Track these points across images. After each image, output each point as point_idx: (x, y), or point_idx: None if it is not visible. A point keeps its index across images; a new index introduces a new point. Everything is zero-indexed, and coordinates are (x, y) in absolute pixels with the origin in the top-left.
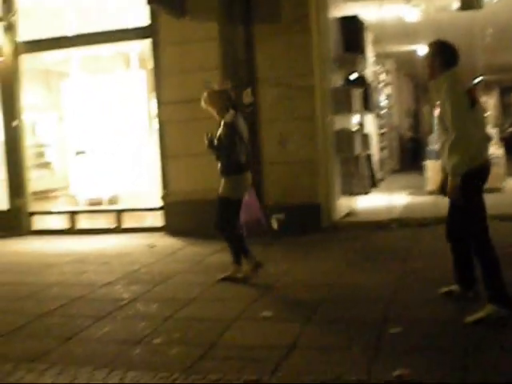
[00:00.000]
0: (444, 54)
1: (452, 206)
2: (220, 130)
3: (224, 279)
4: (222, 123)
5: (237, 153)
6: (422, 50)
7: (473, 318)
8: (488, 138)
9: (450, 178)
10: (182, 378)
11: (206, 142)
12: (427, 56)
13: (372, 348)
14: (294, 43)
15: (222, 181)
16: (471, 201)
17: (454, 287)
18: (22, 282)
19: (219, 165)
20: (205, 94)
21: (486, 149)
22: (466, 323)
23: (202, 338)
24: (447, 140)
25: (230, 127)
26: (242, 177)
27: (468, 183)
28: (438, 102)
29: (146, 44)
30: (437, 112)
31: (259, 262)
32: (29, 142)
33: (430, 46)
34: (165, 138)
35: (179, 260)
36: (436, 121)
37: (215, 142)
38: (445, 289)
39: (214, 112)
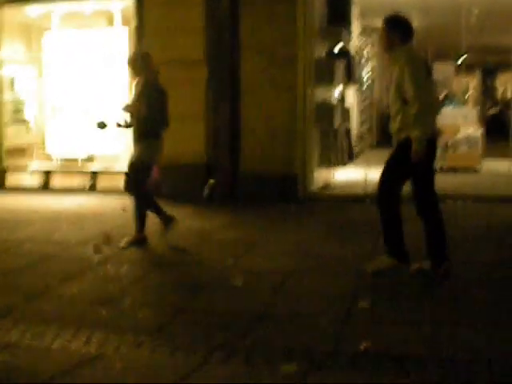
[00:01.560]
0: (402, 28)
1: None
2: (139, 90)
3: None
4: (142, 83)
5: (156, 116)
6: None
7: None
8: (437, 110)
9: (414, 145)
10: (149, 341)
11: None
12: (385, 29)
13: (340, 320)
14: (279, 12)
15: (140, 144)
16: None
17: (425, 263)
18: None
19: (137, 128)
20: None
21: (431, 122)
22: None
23: (169, 303)
24: (404, 109)
25: (151, 88)
26: (160, 142)
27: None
28: (394, 74)
29: (130, 2)
30: (391, 82)
31: (172, 217)
32: (6, 97)
33: (388, 20)
34: None
35: (151, 223)
36: (391, 91)
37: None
38: (415, 265)
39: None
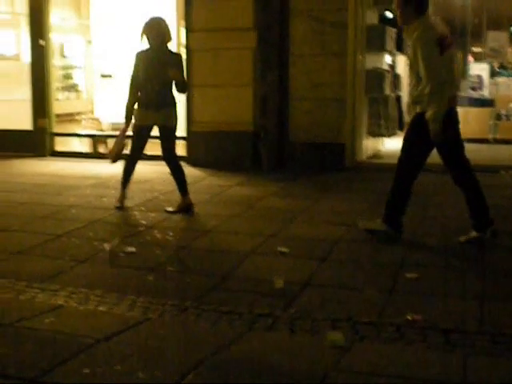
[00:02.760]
0: (414, 2)
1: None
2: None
3: (174, 212)
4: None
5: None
6: None
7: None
8: (457, 86)
9: (432, 125)
10: (193, 307)
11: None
12: (399, 3)
13: (386, 291)
14: None
15: (166, 111)
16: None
17: (473, 234)
18: (42, 202)
19: (161, 95)
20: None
21: (452, 93)
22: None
23: (215, 269)
24: (418, 85)
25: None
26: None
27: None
28: (411, 49)
29: None
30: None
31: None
32: (56, 64)
33: None
34: (192, 66)
35: (199, 190)
36: (409, 65)
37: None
38: (464, 237)
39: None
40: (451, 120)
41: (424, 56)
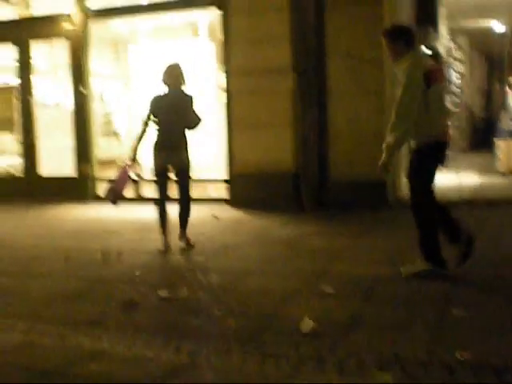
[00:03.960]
0: (404, 37)
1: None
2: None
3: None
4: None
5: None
6: (498, 26)
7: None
8: (439, 118)
9: (384, 153)
10: (238, 349)
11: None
12: (389, 42)
13: (433, 328)
14: (365, 14)
15: (181, 153)
16: (420, 174)
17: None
18: (86, 247)
19: (177, 137)
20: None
21: (441, 126)
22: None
23: (261, 311)
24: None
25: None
26: None
27: (425, 156)
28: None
29: (215, 14)
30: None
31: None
32: (97, 110)
33: (389, 31)
34: (232, 109)
35: (242, 232)
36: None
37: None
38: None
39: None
40: (436, 154)
41: (404, 86)
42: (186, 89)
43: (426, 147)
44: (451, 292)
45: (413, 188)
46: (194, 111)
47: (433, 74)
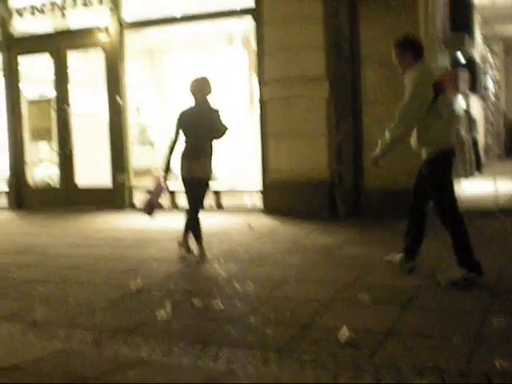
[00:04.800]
0: (411, 48)
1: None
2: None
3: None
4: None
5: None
6: None
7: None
8: (449, 127)
9: (378, 148)
10: (275, 357)
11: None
12: (397, 54)
13: (472, 338)
14: (400, 21)
15: (208, 163)
16: (435, 183)
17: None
18: (122, 255)
19: (209, 148)
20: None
21: (447, 136)
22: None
23: (296, 319)
24: (419, 127)
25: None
26: None
27: (438, 166)
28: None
29: (249, 23)
30: None
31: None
32: (132, 121)
33: (398, 42)
34: (266, 117)
35: (277, 240)
36: None
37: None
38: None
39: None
40: (448, 163)
41: (412, 93)
42: (213, 101)
43: (439, 157)
44: (491, 301)
45: (438, 202)
46: (220, 122)
47: (442, 84)
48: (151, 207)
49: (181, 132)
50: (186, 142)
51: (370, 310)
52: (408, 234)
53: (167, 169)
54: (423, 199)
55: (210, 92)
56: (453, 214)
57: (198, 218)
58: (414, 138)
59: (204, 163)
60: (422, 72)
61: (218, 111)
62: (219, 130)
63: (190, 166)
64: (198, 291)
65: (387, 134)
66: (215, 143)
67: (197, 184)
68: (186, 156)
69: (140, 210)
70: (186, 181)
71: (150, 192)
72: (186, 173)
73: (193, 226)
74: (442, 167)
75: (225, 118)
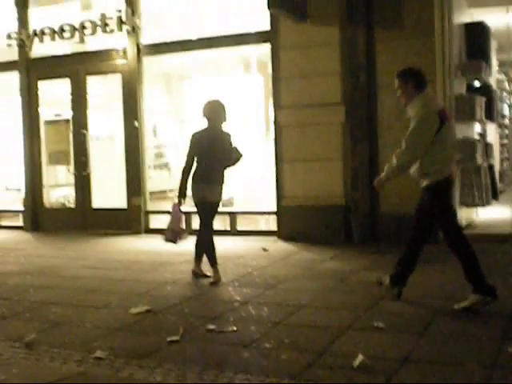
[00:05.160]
0: (414, 79)
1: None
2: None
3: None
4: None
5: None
6: None
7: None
8: (453, 155)
9: (384, 172)
10: (290, 383)
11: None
12: (400, 85)
13: (488, 366)
14: (416, 48)
15: (221, 187)
16: (438, 209)
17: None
18: (138, 278)
19: (221, 173)
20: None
21: (450, 164)
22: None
23: (312, 345)
24: (426, 156)
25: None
26: None
27: (440, 194)
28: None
29: (265, 48)
30: None
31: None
32: (149, 143)
33: (401, 73)
34: (281, 142)
35: (292, 265)
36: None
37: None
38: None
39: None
40: (449, 190)
41: (417, 125)
42: (226, 125)
43: (441, 184)
44: (507, 329)
45: (443, 227)
46: (235, 147)
47: (445, 113)
48: (174, 235)
49: (194, 155)
50: (197, 164)
51: (385, 336)
52: (401, 261)
53: (183, 194)
54: (425, 226)
55: (224, 115)
56: (459, 237)
57: (213, 241)
58: (414, 166)
59: (216, 189)
60: (425, 102)
61: (230, 135)
62: (231, 156)
63: (202, 190)
64: (213, 315)
65: (394, 160)
66: (228, 170)
67: (209, 207)
68: (198, 180)
69: (164, 239)
70: (200, 204)
71: (170, 220)
72: (200, 197)
73: (208, 249)
74: (443, 193)
75: (239, 145)
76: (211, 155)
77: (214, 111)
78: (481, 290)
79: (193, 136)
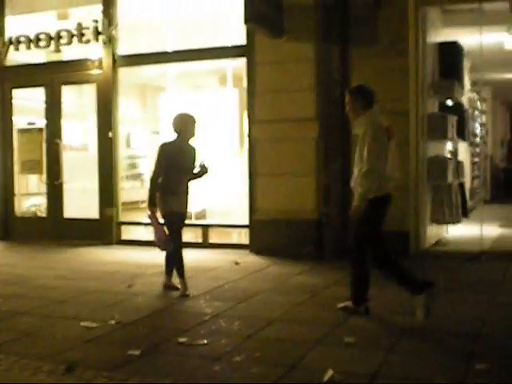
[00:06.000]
0: (363, 97)
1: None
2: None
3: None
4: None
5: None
6: None
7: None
8: (394, 174)
9: (356, 201)
10: None
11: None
12: (349, 100)
13: (457, 383)
14: (390, 66)
15: (187, 198)
16: (371, 222)
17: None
18: (109, 290)
19: (186, 185)
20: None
21: (389, 182)
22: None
23: (282, 359)
24: (361, 169)
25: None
26: None
27: (374, 207)
28: (360, 137)
29: (240, 62)
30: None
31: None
32: (122, 154)
33: (351, 90)
34: (255, 156)
35: (263, 278)
36: (356, 153)
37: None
38: (341, 304)
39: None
40: (382, 208)
41: (371, 141)
42: (195, 139)
43: (381, 199)
44: (474, 346)
45: (359, 237)
46: (202, 162)
47: (389, 131)
48: (164, 242)
49: (162, 165)
50: (163, 176)
51: (355, 351)
52: (354, 281)
53: (154, 203)
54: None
55: (193, 129)
56: (362, 251)
57: (181, 253)
58: (356, 180)
59: (182, 199)
60: (373, 119)
61: (195, 149)
62: (196, 170)
63: (170, 201)
64: (184, 328)
65: (359, 189)
66: (192, 182)
67: (178, 219)
68: (165, 191)
69: (161, 250)
70: (168, 216)
71: (154, 231)
72: (167, 208)
73: (177, 261)
74: (378, 210)
75: (209, 158)
76: (177, 167)
77: (183, 124)
78: (358, 300)
79: (161, 146)
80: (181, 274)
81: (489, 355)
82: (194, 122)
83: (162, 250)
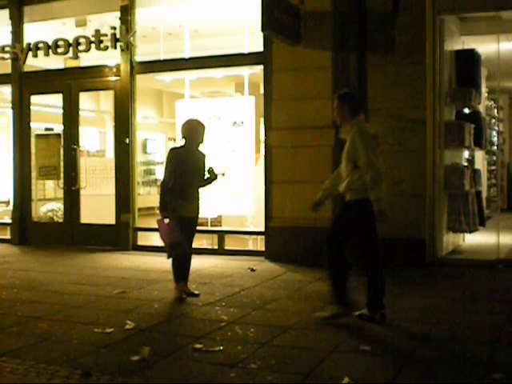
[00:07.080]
0: (349, 104)
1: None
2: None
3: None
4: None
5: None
6: None
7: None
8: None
9: (376, 206)
10: None
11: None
12: (336, 106)
13: None
14: (408, 74)
15: (199, 204)
16: (348, 222)
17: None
18: (125, 296)
19: (196, 190)
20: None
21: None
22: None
23: (297, 367)
24: (353, 174)
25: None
26: None
27: (359, 211)
28: (346, 143)
29: (257, 69)
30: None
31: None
32: (139, 160)
33: (339, 96)
34: (271, 163)
35: (279, 285)
36: (343, 157)
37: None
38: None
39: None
40: (369, 211)
41: (365, 147)
42: (204, 146)
43: (363, 203)
44: (492, 355)
45: (339, 236)
46: (211, 168)
47: (375, 139)
48: (173, 247)
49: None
50: (173, 181)
51: (371, 359)
52: (370, 286)
53: (166, 208)
54: (361, 241)
55: (201, 135)
56: (339, 254)
57: (189, 259)
58: (343, 184)
59: (191, 205)
60: (360, 126)
61: (205, 155)
62: (205, 176)
63: (179, 205)
64: (200, 334)
65: (374, 193)
66: (202, 189)
67: (187, 223)
68: (174, 195)
69: (169, 256)
70: (185, 219)
71: (163, 238)
72: (188, 211)
73: (183, 265)
74: (364, 212)
75: (216, 166)
76: (186, 172)
77: (192, 130)
78: (343, 303)
79: (171, 151)
80: (185, 278)
81: (506, 364)
82: (203, 128)
83: (169, 257)
